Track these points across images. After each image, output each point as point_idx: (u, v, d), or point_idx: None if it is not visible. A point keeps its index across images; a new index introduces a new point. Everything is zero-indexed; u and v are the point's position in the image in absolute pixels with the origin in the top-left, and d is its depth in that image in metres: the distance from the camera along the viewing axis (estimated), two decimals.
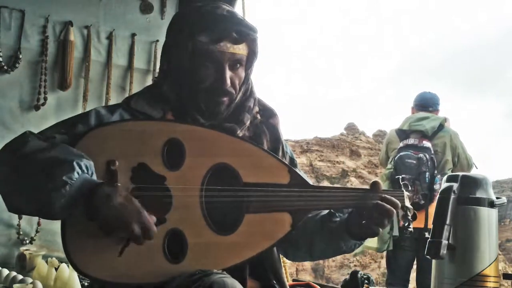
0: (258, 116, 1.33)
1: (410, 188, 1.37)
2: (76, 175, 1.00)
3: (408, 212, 1.30)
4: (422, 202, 3.26)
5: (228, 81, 1.22)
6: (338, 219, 1.26)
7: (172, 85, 1.26)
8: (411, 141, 3.44)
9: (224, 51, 1.21)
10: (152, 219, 1.04)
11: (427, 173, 3.28)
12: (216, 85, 1.22)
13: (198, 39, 1.21)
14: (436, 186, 3.27)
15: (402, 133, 3.54)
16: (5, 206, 1.08)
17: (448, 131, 3.50)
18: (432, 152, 3.37)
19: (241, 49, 1.24)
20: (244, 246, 1.13)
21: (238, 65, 1.25)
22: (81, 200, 1.01)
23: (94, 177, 1.05)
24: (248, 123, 1.28)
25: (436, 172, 3.33)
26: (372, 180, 1.29)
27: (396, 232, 3.36)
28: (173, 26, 1.28)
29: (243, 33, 1.23)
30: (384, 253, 3.62)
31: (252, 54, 1.28)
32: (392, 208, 1.18)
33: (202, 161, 1.14)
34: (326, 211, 1.28)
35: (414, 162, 3.30)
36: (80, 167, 1.02)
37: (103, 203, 1.01)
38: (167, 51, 1.29)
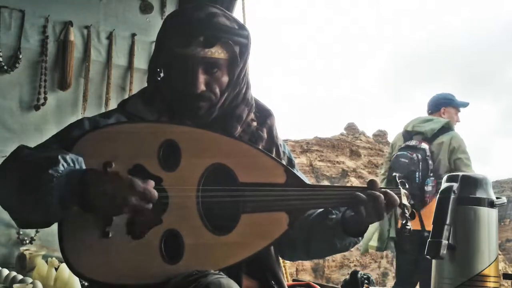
0: (254, 124, 1.31)
1: (407, 186, 1.36)
2: (61, 167, 1.00)
3: (406, 210, 1.29)
4: (412, 202, 3.24)
5: (201, 85, 1.20)
6: (334, 216, 1.25)
7: (159, 88, 1.27)
8: (412, 142, 3.47)
9: (194, 55, 1.19)
10: (149, 184, 1.01)
11: (417, 173, 3.29)
12: (188, 89, 1.21)
13: (170, 43, 1.21)
14: (428, 188, 3.27)
15: (407, 134, 3.58)
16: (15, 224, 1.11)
17: (450, 135, 3.45)
18: (428, 154, 3.36)
19: (214, 53, 1.20)
20: (241, 246, 1.13)
21: (216, 69, 1.21)
22: (71, 192, 0.99)
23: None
24: (237, 132, 1.26)
25: (431, 174, 3.32)
26: (369, 179, 1.29)
27: (392, 233, 3.38)
28: (160, 28, 1.28)
29: (212, 37, 1.19)
30: (384, 253, 3.66)
31: (233, 59, 1.23)
32: (394, 199, 1.20)
33: (198, 161, 1.14)
34: (322, 209, 1.28)
35: (407, 161, 3.33)
36: (65, 160, 1.01)
37: (92, 189, 0.99)
38: (153, 53, 1.30)
